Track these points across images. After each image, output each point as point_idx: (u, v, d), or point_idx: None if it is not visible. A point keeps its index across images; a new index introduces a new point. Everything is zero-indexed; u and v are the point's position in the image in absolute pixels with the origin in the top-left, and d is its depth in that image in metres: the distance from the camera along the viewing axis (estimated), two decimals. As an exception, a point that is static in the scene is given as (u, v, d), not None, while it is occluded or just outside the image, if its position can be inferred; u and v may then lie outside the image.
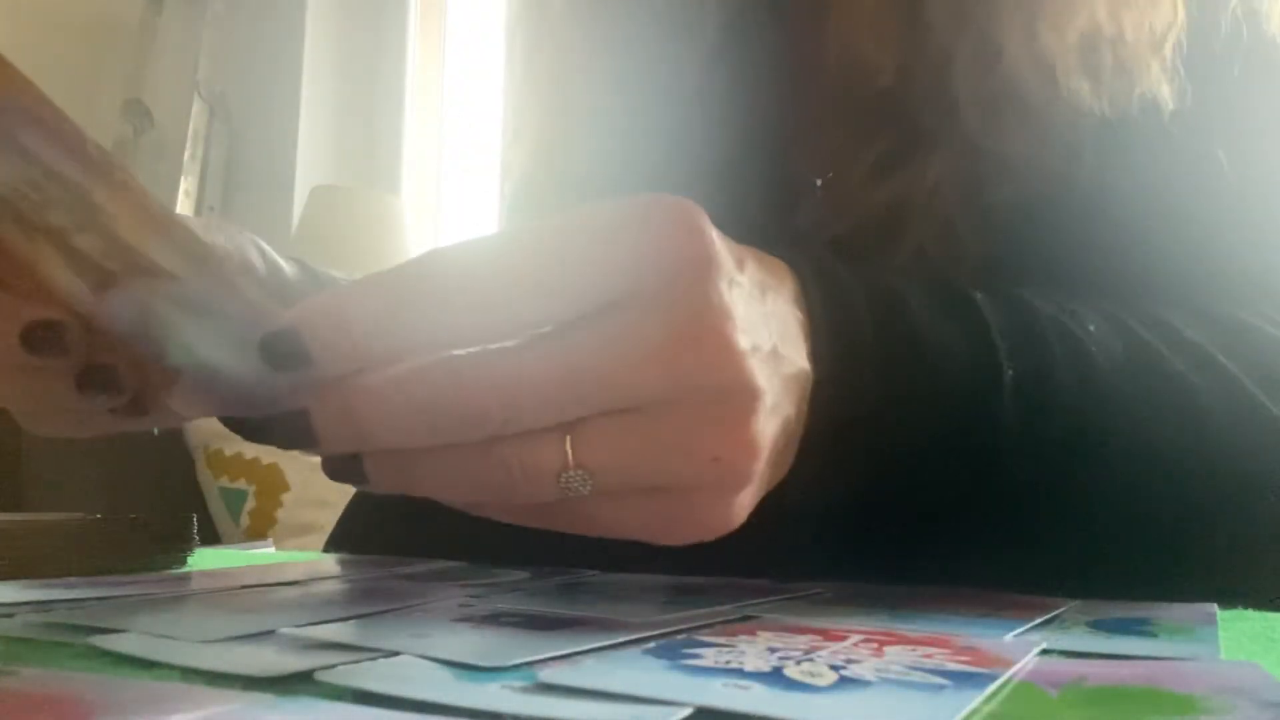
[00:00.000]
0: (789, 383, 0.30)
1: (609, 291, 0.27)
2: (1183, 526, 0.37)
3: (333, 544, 0.60)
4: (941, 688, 0.21)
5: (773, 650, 0.24)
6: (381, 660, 0.23)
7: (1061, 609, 0.33)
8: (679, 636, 0.26)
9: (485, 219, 2.23)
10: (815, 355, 0.32)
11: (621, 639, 0.25)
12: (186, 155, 2.18)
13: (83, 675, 0.23)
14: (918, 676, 0.21)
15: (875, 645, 0.25)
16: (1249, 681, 0.22)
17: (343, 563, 0.47)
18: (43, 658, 0.25)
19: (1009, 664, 0.23)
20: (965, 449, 0.35)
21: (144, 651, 0.24)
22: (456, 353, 0.27)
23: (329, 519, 0.64)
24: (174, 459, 1.73)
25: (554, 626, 0.27)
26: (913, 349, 0.35)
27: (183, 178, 2.17)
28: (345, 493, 0.61)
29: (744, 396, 0.27)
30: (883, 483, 0.35)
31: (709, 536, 0.29)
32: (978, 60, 0.46)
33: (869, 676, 0.21)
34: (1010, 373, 0.35)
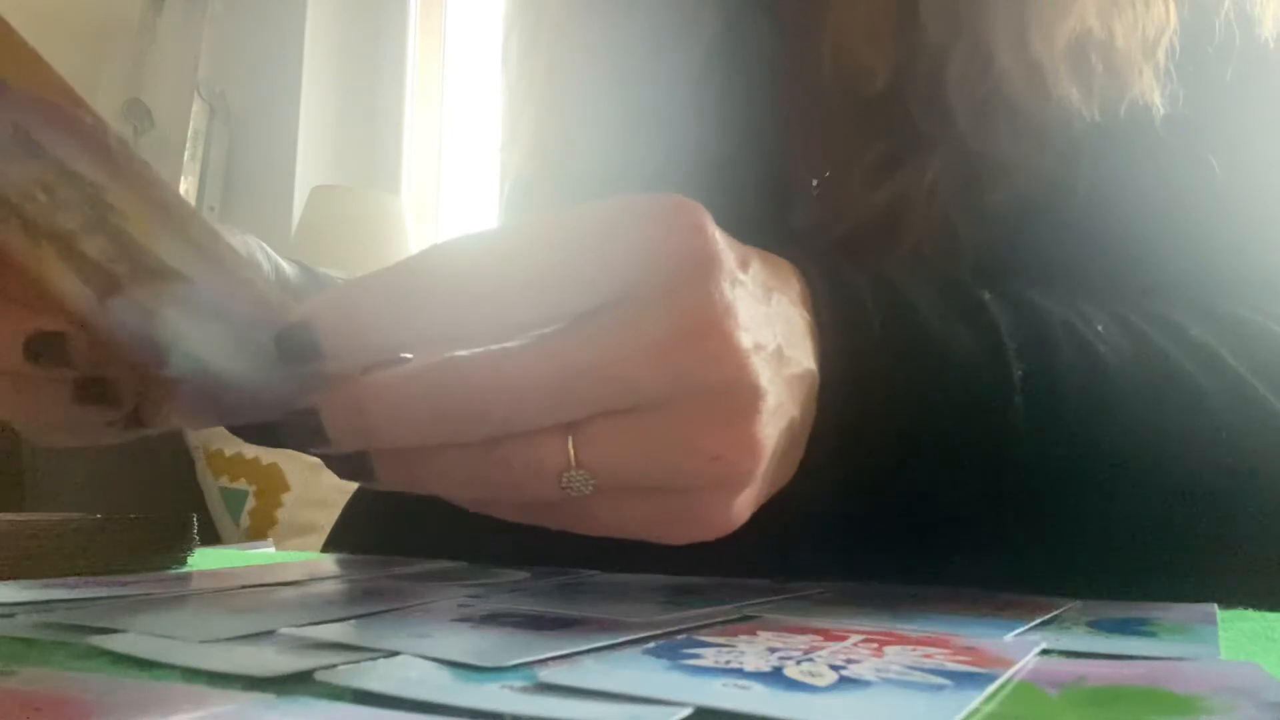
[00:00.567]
0: (794, 383, 0.30)
1: (611, 288, 0.27)
2: (1190, 526, 0.37)
3: (331, 544, 0.60)
4: (941, 688, 0.21)
5: (773, 650, 0.24)
6: (381, 660, 0.23)
7: (1061, 609, 0.33)
8: (679, 636, 0.26)
9: (485, 219, 2.23)
10: (822, 357, 0.32)
11: (621, 639, 0.25)
12: (186, 155, 2.18)
13: (83, 675, 0.23)
14: (918, 676, 0.21)
15: (875, 645, 0.25)
16: (1249, 681, 0.22)
17: (342, 563, 0.47)
18: (43, 658, 0.25)
19: (1009, 664, 0.23)
20: (974, 449, 0.35)
21: (144, 651, 0.24)
22: (461, 353, 0.27)
23: (329, 519, 0.64)
24: (174, 459, 1.73)
25: (554, 626, 0.27)
26: (921, 350, 0.34)
27: (183, 178, 2.17)
28: (345, 493, 0.61)
29: (746, 395, 0.27)
30: (891, 483, 0.35)
31: (710, 536, 0.29)
32: (970, 65, 0.47)
33: (869, 676, 0.21)
34: (1020, 373, 0.35)
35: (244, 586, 0.37)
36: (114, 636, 0.26)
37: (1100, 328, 0.38)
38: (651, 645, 0.25)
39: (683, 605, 0.31)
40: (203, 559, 0.49)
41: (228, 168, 2.27)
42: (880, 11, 0.50)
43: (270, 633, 0.26)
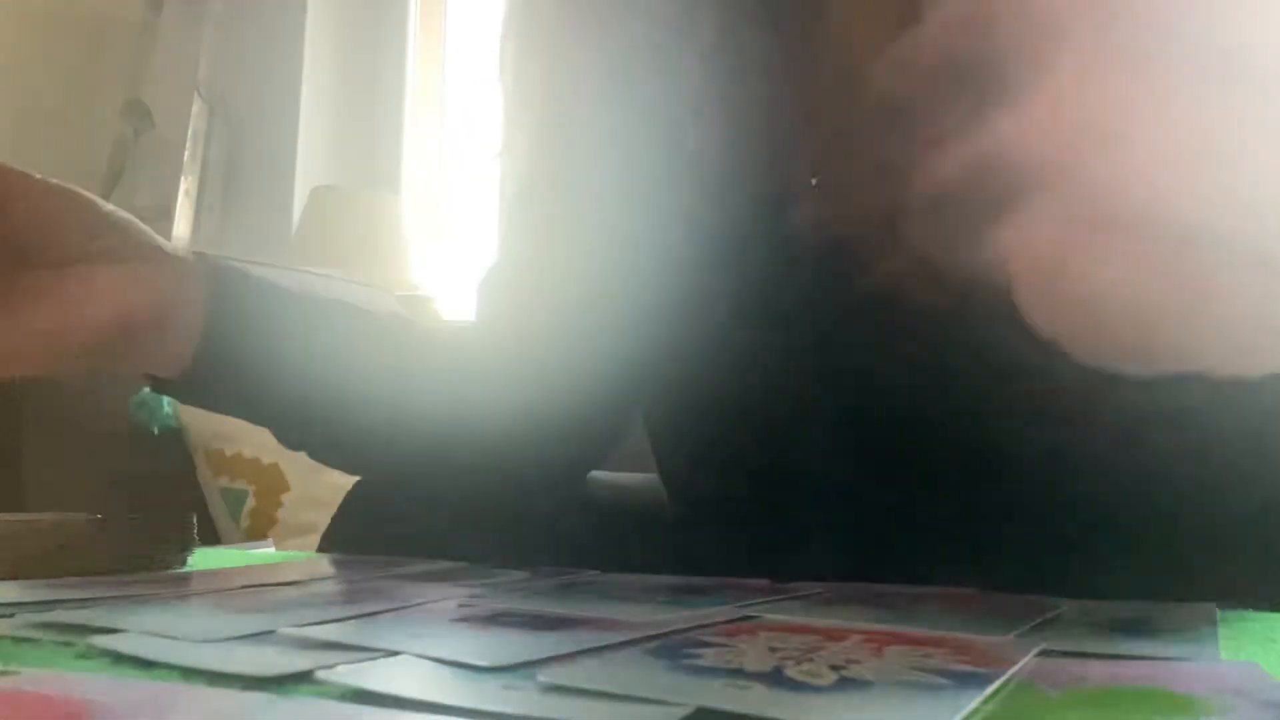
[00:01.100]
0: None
1: None
2: (1191, 527, 0.37)
3: (326, 543, 0.60)
4: (941, 688, 0.21)
5: (773, 650, 0.24)
6: (381, 660, 0.23)
7: (1061, 609, 0.33)
8: (679, 636, 0.26)
9: (485, 219, 2.23)
10: None
11: (621, 639, 0.25)
12: (186, 155, 2.18)
13: (83, 675, 0.23)
14: (918, 676, 0.21)
15: (875, 645, 0.25)
16: (1249, 681, 0.22)
17: (342, 563, 0.47)
18: (43, 658, 0.25)
19: (1009, 664, 0.23)
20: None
21: (144, 651, 0.24)
22: None
23: (329, 519, 0.64)
24: (174, 459, 1.73)
25: (554, 626, 0.27)
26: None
27: (183, 178, 2.16)
28: (344, 493, 0.61)
29: None
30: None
31: None
32: None
33: (869, 676, 0.21)
34: None
35: (244, 586, 0.37)
36: (114, 636, 0.26)
37: None
38: (651, 645, 0.24)
39: (683, 605, 0.31)
40: (203, 559, 0.49)
41: (228, 168, 2.27)
42: (879, 13, 0.50)
43: (270, 632, 0.26)
